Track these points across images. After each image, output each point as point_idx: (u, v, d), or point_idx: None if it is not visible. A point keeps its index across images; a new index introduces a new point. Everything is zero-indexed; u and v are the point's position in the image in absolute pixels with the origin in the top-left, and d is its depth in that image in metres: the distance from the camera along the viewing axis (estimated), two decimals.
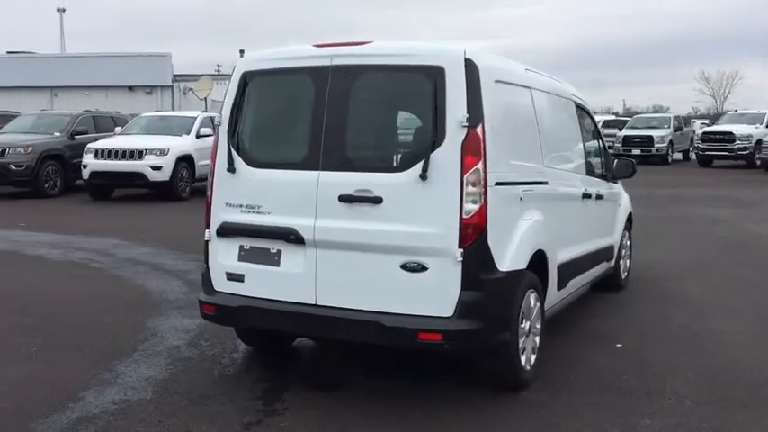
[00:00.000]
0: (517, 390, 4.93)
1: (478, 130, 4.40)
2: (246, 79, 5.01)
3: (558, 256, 5.52)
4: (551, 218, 5.36)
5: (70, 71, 36.60)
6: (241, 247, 4.92)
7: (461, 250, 4.35)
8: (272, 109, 5.01)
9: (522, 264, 4.75)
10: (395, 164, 4.51)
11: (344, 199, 4.55)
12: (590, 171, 6.60)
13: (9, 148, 16.72)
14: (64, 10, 47.11)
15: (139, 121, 19.06)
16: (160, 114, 20.97)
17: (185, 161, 16.81)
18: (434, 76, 4.44)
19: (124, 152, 16.16)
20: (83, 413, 4.57)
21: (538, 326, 5.20)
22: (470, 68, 4.46)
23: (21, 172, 16.59)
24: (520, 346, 4.86)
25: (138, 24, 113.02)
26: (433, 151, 4.40)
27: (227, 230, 4.96)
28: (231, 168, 4.94)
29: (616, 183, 7.79)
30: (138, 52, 38.55)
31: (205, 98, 33.99)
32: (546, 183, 5.32)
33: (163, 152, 16.28)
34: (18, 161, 16.58)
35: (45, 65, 37.89)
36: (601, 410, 4.67)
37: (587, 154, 6.66)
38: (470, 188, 4.37)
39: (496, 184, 4.50)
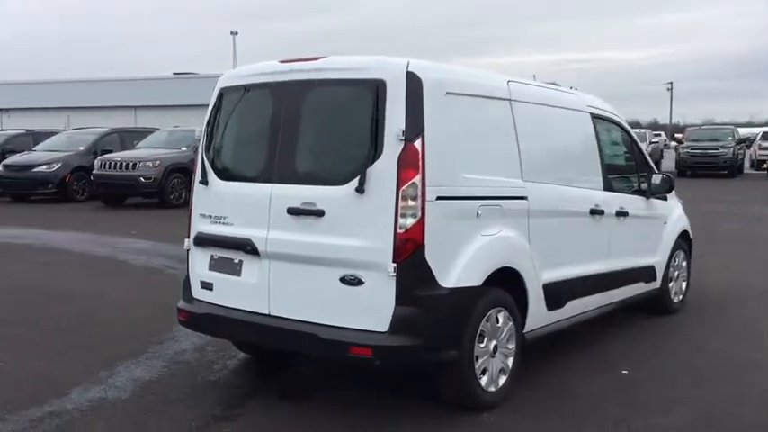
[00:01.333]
0: (478, 411, 4.78)
1: (417, 143, 4.33)
2: (222, 95, 5.22)
3: (546, 274, 5.30)
4: (535, 234, 5.17)
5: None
6: (211, 256, 5.11)
7: (395, 265, 4.30)
8: (239, 123, 5.17)
9: (475, 281, 4.60)
10: (337, 177, 4.53)
11: (292, 211, 4.63)
12: (609, 186, 6.24)
13: (139, 161, 18.06)
14: (236, 33, 49.84)
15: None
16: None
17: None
18: (376, 89, 4.42)
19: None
20: (57, 408, 4.89)
21: (510, 346, 5.01)
22: (412, 81, 4.40)
23: (149, 184, 17.88)
24: (477, 365, 4.71)
25: (305, 45, 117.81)
26: (371, 164, 4.39)
27: (200, 240, 5.17)
28: (204, 181, 5.16)
29: (665, 200, 7.33)
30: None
31: None
32: (524, 198, 5.12)
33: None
34: (146, 174, 17.85)
35: (207, 84, 40.39)
36: None
37: (608, 168, 6.32)
38: (406, 202, 4.31)
39: (438, 198, 4.41)
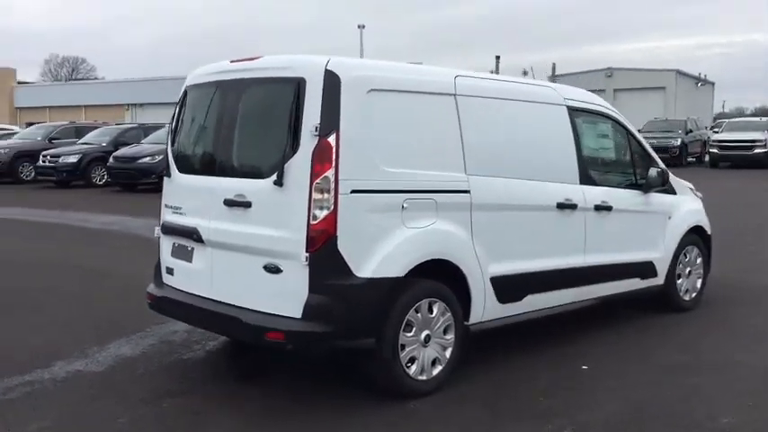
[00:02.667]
0: (407, 398, 4.91)
1: (331, 138, 4.51)
2: (186, 93, 5.59)
3: (494, 267, 5.33)
4: (480, 227, 5.22)
5: None
6: (173, 244, 5.49)
7: (308, 255, 4.51)
8: (195, 119, 5.50)
9: (395, 272, 4.72)
10: (262, 171, 4.77)
11: (227, 203, 4.93)
12: (588, 180, 6.14)
13: None
14: (363, 26, 49.78)
15: None
16: None
17: None
18: (298, 86, 4.63)
19: None
20: (35, 378, 5.40)
21: (448, 337, 5.10)
22: (330, 79, 4.58)
23: None
24: (404, 354, 4.84)
25: (431, 37, 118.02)
26: (290, 159, 4.61)
27: (165, 229, 5.57)
28: (168, 173, 5.55)
29: (673, 194, 7.11)
30: None
31: None
32: (467, 191, 5.18)
33: None
34: None
35: None
36: (467, 426, 4.56)
37: (588, 162, 6.23)
38: (319, 195, 4.50)
39: (353, 191, 4.57)
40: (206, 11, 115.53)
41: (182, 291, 5.34)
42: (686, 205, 7.29)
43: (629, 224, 6.56)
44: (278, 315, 4.62)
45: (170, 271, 5.50)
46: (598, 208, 6.17)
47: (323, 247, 4.51)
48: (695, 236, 7.36)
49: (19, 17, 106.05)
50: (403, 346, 4.86)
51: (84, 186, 22.06)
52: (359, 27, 49.62)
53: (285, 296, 4.60)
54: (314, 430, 4.59)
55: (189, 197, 5.32)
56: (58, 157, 22.56)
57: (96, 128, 25.68)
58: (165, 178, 5.61)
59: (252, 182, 4.82)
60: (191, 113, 5.50)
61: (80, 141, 24.10)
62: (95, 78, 77.95)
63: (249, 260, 4.79)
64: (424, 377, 4.98)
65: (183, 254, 5.35)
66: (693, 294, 7.40)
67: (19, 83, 67.31)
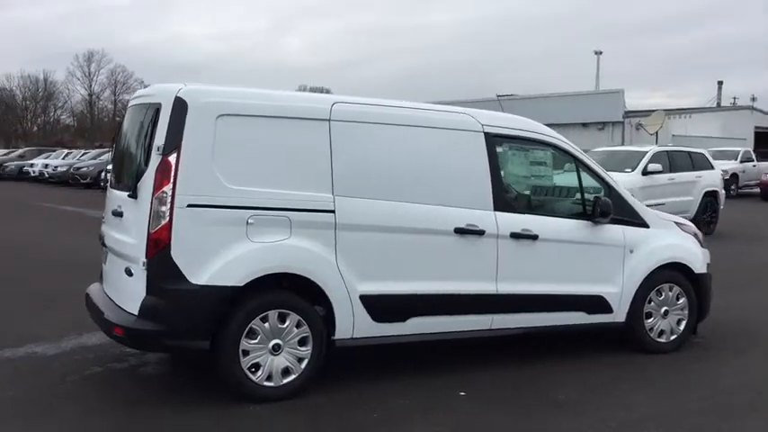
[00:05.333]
0: (256, 402, 5.23)
1: (171, 157, 5.03)
2: (125, 113, 6.38)
3: (365, 286, 5.49)
4: (346, 246, 5.44)
5: (533, 110, 39.65)
6: (102, 249, 6.29)
7: (145, 260, 5.06)
8: (117, 138, 6.25)
9: (233, 281, 5.08)
10: (128, 185, 5.41)
11: (113, 213, 5.65)
12: (506, 207, 6.05)
13: None
14: (601, 53, 49.57)
15: (592, 156, 19.07)
16: (610, 150, 19.41)
17: None
18: (156, 111, 5.23)
19: None
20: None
21: (303, 349, 5.37)
22: (178, 104, 5.11)
23: None
24: (245, 360, 5.20)
25: (678, 61, 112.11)
26: (143, 174, 5.21)
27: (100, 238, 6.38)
28: (105, 187, 6.37)
29: (645, 227, 6.73)
30: (591, 90, 39.78)
31: (656, 133, 33.48)
32: (331, 211, 5.43)
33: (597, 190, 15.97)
34: None
35: (527, 105, 41.51)
36: None
37: (508, 188, 6.15)
38: (157, 207, 5.03)
39: (190, 205, 5.04)
40: (449, 44, 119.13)
41: (101, 289, 6.09)
42: (659, 240, 6.82)
43: (566, 255, 6.33)
44: (126, 312, 5.20)
45: (100, 275, 6.29)
46: (517, 236, 6.06)
47: (158, 254, 5.02)
48: (676, 273, 6.87)
49: (280, 53, 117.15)
50: (246, 352, 5.22)
51: None
52: (596, 53, 49.15)
53: (133, 296, 5.17)
54: (149, 419, 5.07)
55: (106, 208, 6.09)
56: None
57: None
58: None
59: (123, 195, 5.48)
60: (120, 133, 6.28)
61: None
62: None
63: (120, 264, 5.44)
64: (269, 383, 5.29)
65: (103, 256, 6.12)
66: (673, 337, 6.88)
67: None
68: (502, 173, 6.19)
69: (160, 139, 5.11)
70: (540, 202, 6.67)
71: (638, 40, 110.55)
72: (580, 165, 6.58)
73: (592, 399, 5.55)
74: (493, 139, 6.13)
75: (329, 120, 5.53)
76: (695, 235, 7.23)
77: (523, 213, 6.21)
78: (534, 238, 6.14)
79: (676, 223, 7.19)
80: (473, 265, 5.96)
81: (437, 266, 5.84)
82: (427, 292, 5.77)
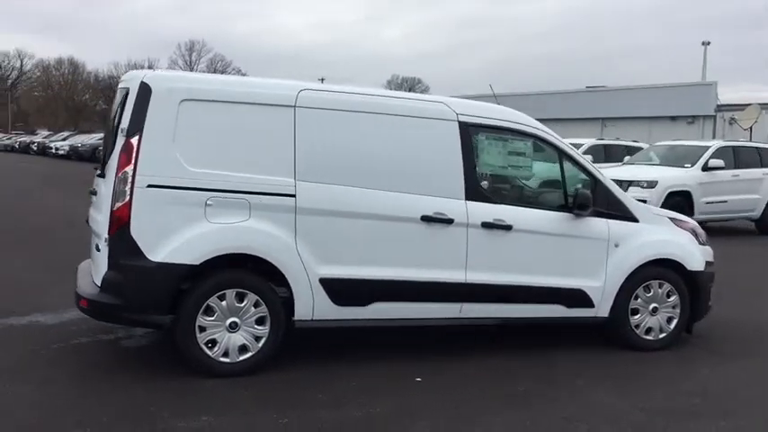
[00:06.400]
0: (214, 376, 5.44)
1: (134, 140, 5.29)
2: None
3: (325, 269, 5.62)
4: (305, 229, 5.58)
5: (619, 102, 38.69)
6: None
7: (107, 237, 5.34)
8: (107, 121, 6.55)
9: (189, 259, 5.29)
10: (101, 165, 5.71)
11: (90, 192, 6.02)
12: (478, 197, 6.04)
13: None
14: (708, 43, 47.76)
15: (651, 150, 18.14)
16: (670, 144, 18.28)
17: (680, 196, 15.04)
18: (126, 95, 5.50)
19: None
20: None
21: (260, 328, 5.55)
22: (143, 90, 5.36)
23: None
24: (202, 335, 5.42)
25: None
26: (111, 155, 5.49)
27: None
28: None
29: (633, 220, 6.58)
30: (680, 82, 38.28)
31: (750, 128, 32.06)
32: (292, 195, 5.57)
33: (650, 185, 15.12)
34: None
35: (618, 96, 40.43)
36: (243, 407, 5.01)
37: (482, 178, 6.13)
38: (120, 187, 5.30)
39: (150, 186, 5.28)
40: (549, 34, 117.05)
41: (89, 265, 6.42)
42: (649, 235, 6.64)
43: (543, 246, 6.27)
44: (96, 285, 5.51)
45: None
46: (488, 226, 6.04)
47: (119, 231, 5.29)
48: (666, 269, 6.68)
49: (376, 43, 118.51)
50: (203, 328, 5.44)
51: None
52: (703, 44, 47.46)
53: (99, 271, 5.47)
54: (106, 386, 5.35)
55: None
56: None
57: None
58: None
59: (99, 178, 5.79)
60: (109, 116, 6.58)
61: None
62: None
63: (95, 240, 5.75)
64: (226, 360, 5.50)
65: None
66: (662, 335, 6.71)
67: None
68: (477, 162, 6.18)
69: (125, 121, 5.37)
70: (516, 192, 6.61)
71: (741, 33, 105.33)
72: (564, 156, 6.48)
73: (546, 392, 5.51)
74: (468, 129, 6.12)
75: (295, 106, 5.66)
76: (693, 231, 7.00)
77: (498, 203, 6.18)
78: (508, 228, 6.11)
79: (672, 219, 6.98)
80: (441, 253, 5.99)
81: (402, 253, 5.90)
82: (391, 278, 5.84)
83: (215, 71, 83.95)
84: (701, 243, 7.02)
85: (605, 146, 19.74)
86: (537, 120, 6.50)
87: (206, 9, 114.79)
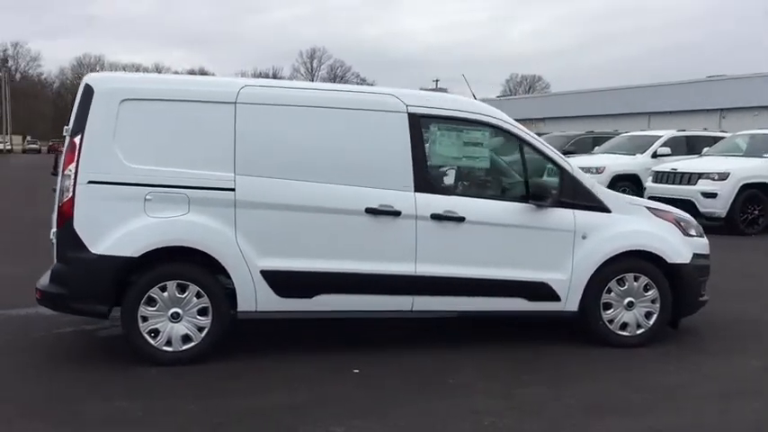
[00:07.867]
0: (156, 364, 5.67)
1: (77, 138, 5.60)
2: None
3: (266, 262, 5.73)
4: (245, 222, 5.72)
5: (734, 91, 37.00)
6: None
7: (54, 230, 5.68)
8: None
9: (129, 252, 5.53)
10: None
11: (53, 189, 6.32)
12: (428, 188, 5.96)
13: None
14: None
15: (730, 141, 17.12)
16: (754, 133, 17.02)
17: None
18: (80, 97, 5.81)
19: (681, 176, 14.99)
20: None
21: (202, 319, 5.72)
22: (86, 90, 5.67)
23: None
24: (144, 325, 5.65)
25: None
26: (61, 154, 5.83)
27: None
28: None
29: (604, 210, 6.30)
30: None
31: None
32: (231, 189, 5.71)
33: (722, 177, 14.39)
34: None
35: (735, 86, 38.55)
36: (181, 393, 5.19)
37: (432, 169, 6.06)
38: (64, 183, 5.63)
39: (90, 182, 5.56)
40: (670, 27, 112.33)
41: None
42: (621, 226, 6.32)
43: (500, 238, 6.10)
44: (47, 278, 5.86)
45: None
46: (438, 217, 5.96)
47: (63, 225, 5.61)
48: (643, 262, 6.36)
49: (499, 42, 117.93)
50: (145, 318, 5.67)
51: None
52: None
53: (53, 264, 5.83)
54: (62, 372, 5.66)
55: None
56: None
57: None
58: None
59: None
60: None
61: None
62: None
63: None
64: (170, 348, 5.71)
65: None
66: (639, 330, 6.38)
67: (481, 99, 73.78)
68: (428, 154, 6.12)
69: (71, 121, 5.70)
70: (471, 183, 6.47)
71: None
72: (526, 146, 6.29)
73: (480, 385, 5.38)
74: (419, 120, 6.06)
75: (235, 102, 5.81)
76: (677, 222, 6.61)
77: (450, 195, 6.09)
78: (460, 220, 6.00)
79: (651, 209, 6.62)
80: (389, 245, 5.97)
81: (347, 245, 5.92)
82: (335, 270, 5.87)
83: (335, 77, 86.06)
84: (688, 235, 6.62)
85: (687, 137, 18.67)
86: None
87: (334, 16, 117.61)
